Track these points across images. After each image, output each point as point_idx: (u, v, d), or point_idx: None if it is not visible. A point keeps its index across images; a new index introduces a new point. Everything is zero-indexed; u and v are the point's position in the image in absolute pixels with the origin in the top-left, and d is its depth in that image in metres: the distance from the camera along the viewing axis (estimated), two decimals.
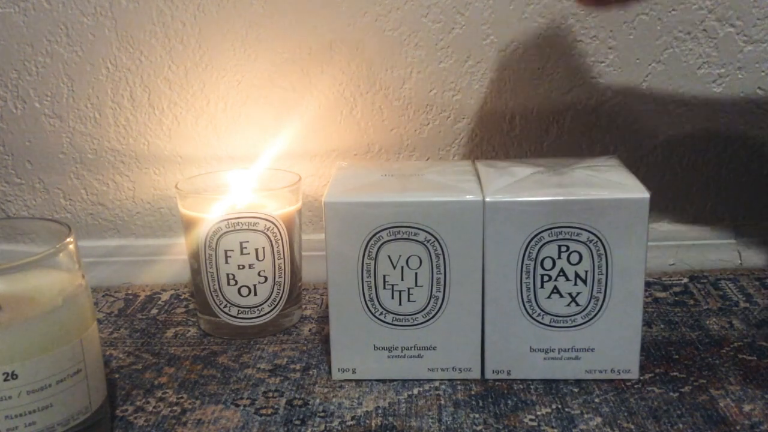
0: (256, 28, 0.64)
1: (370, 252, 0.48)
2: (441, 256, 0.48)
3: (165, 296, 0.66)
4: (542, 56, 0.64)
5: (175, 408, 0.48)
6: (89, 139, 0.67)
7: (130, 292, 0.68)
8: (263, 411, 0.48)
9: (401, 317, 0.49)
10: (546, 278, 0.48)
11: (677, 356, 0.52)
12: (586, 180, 0.49)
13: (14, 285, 0.41)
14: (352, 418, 0.46)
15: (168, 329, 0.60)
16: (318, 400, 0.49)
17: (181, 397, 0.50)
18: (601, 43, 0.63)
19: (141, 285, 0.69)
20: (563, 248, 0.47)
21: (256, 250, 0.56)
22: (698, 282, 0.64)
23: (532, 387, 0.49)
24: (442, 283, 0.48)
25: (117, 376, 0.53)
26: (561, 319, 0.49)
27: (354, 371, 0.51)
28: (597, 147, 0.66)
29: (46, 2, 0.64)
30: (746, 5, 0.62)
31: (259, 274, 0.56)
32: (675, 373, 0.50)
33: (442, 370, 0.50)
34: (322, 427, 0.46)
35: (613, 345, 0.49)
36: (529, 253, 0.47)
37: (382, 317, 0.49)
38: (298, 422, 0.46)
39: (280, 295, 0.58)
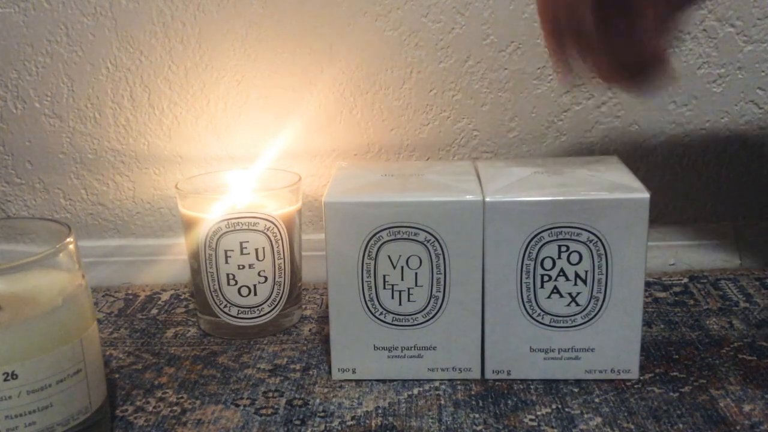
0: (256, 28, 0.64)
1: (370, 252, 0.48)
2: (441, 256, 0.48)
3: (165, 296, 0.66)
4: (542, 56, 0.64)
5: (175, 408, 0.48)
6: (89, 139, 0.67)
7: (130, 292, 0.68)
8: (263, 411, 0.48)
9: (401, 317, 0.49)
10: (546, 278, 0.48)
11: (677, 356, 0.52)
12: (586, 180, 0.49)
13: (14, 285, 0.41)
14: (352, 418, 0.46)
15: (168, 329, 0.60)
16: (318, 400, 0.49)
17: (181, 397, 0.49)
18: None
19: (141, 285, 0.69)
20: (563, 248, 0.47)
21: (256, 250, 0.56)
22: (698, 282, 0.64)
23: (532, 387, 0.49)
24: (442, 283, 0.48)
25: (117, 376, 0.53)
26: (561, 319, 0.49)
27: (354, 371, 0.51)
28: (597, 147, 0.66)
29: (46, 2, 0.64)
30: (746, 5, 0.62)
31: (259, 274, 0.56)
32: (675, 373, 0.50)
33: (442, 370, 0.50)
34: (322, 427, 0.46)
35: (613, 345, 0.49)
36: (529, 253, 0.47)
37: (382, 317, 0.49)
38: (298, 422, 0.46)
39: (280, 295, 0.58)
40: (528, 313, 0.49)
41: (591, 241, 0.47)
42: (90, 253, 0.69)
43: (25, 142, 0.67)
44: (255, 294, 0.57)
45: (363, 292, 0.49)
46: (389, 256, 0.48)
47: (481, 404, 0.47)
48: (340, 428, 0.45)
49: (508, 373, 0.50)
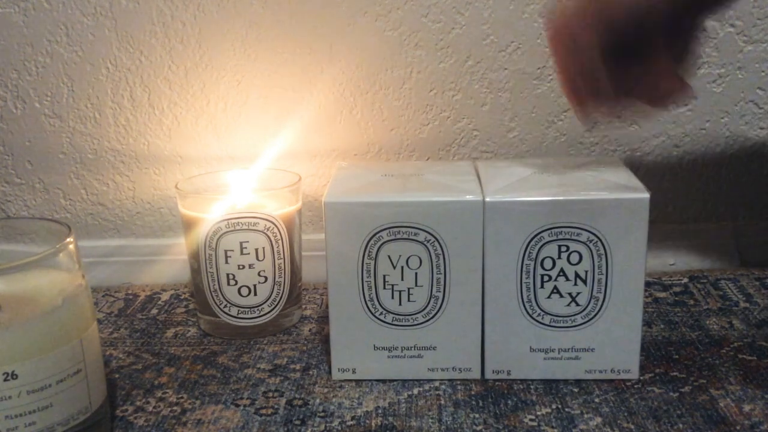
0: (256, 28, 0.64)
1: (370, 252, 0.48)
2: (441, 256, 0.48)
3: (165, 296, 0.66)
4: (542, 56, 0.64)
5: (175, 408, 0.48)
6: (89, 139, 0.67)
7: (130, 292, 0.68)
8: (263, 411, 0.48)
9: (401, 317, 0.49)
10: (546, 278, 0.48)
11: (677, 356, 0.52)
12: (586, 180, 0.49)
13: (14, 285, 0.41)
14: (352, 418, 0.46)
15: (168, 329, 0.60)
16: (318, 400, 0.49)
17: (181, 397, 0.49)
18: None
19: (141, 285, 0.69)
20: (563, 248, 0.47)
21: (256, 250, 0.56)
22: (698, 282, 0.64)
23: (532, 387, 0.49)
24: (442, 283, 0.48)
25: (117, 376, 0.53)
26: (561, 319, 0.49)
27: (354, 371, 0.51)
28: (597, 147, 0.66)
29: (46, 2, 0.64)
30: (746, 5, 0.62)
31: (259, 274, 0.56)
32: (675, 373, 0.50)
33: (442, 370, 0.50)
34: (322, 427, 0.46)
35: (613, 345, 0.49)
36: (529, 253, 0.47)
37: (382, 317, 0.49)
38: (298, 422, 0.46)
39: (280, 295, 0.58)
40: (528, 313, 0.49)
41: (591, 241, 0.47)
42: (90, 253, 0.69)
43: (25, 142, 0.67)
44: (255, 294, 0.57)
45: (363, 292, 0.49)
46: (389, 256, 0.48)
47: (481, 404, 0.47)
48: (340, 428, 0.45)
49: (508, 373, 0.50)
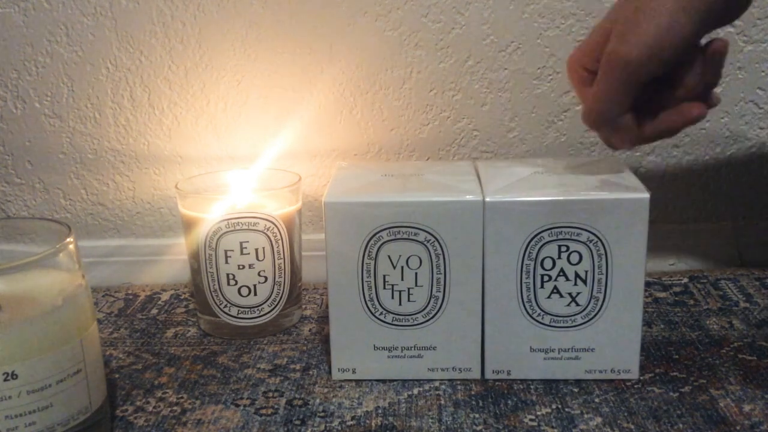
0: (256, 28, 0.64)
1: (370, 252, 0.48)
2: (441, 256, 0.48)
3: (165, 296, 0.66)
4: (542, 56, 0.64)
5: (175, 408, 0.48)
6: (89, 139, 0.67)
7: (130, 292, 0.68)
8: (263, 411, 0.48)
9: (401, 317, 0.49)
10: (546, 278, 0.48)
11: (677, 356, 0.52)
12: (586, 180, 0.49)
13: (14, 285, 0.41)
14: (352, 418, 0.46)
15: (168, 329, 0.60)
16: (318, 400, 0.49)
17: (181, 397, 0.49)
18: None
19: (141, 285, 0.69)
20: (563, 248, 0.47)
21: (256, 250, 0.56)
22: (698, 282, 0.64)
23: (532, 387, 0.49)
24: (442, 283, 0.48)
25: (117, 376, 0.53)
26: (561, 319, 0.49)
27: (354, 371, 0.51)
28: (597, 147, 0.66)
29: (46, 2, 0.64)
30: None
31: (259, 274, 0.56)
32: (675, 373, 0.50)
33: (442, 370, 0.50)
34: (322, 427, 0.46)
35: (613, 345, 0.49)
36: (529, 253, 0.47)
37: (382, 317, 0.49)
38: (298, 422, 0.46)
39: (280, 295, 0.58)
40: (528, 313, 0.49)
41: (591, 241, 0.47)
42: (90, 253, 0.69)
43: (25, 142, 0.67)
44: (255, 294, 0.57)
45: (363, 292, 0.49)
46: (389, 256, 0.48)
47: (481, 404, 0.47)
48: (340, 428, 0.45)
49: (508, 373, 0.50)
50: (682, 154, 0.66)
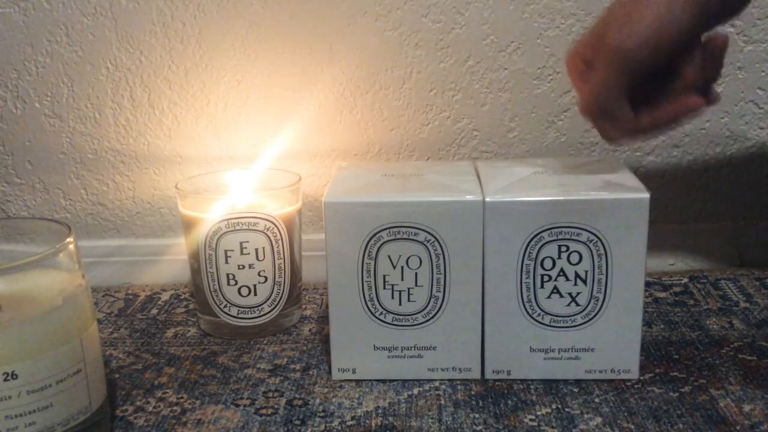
0: (256, 28, 0.64)
1: (370, 252, 0.48)
2: (441, 256, 0.48)
3: (165, 296, 0.66)
4: (542, 56, 0.64)
5: (175, 408, 0.48)
6: (89, 139, 0.67)
7: (130, 292, 0.68)
8: (263, 411, 0.48)
9: (401, 317, 0.49)
10: (546, 278, 0.48)
11: (677, 356, 0.52)
12: (586, 180, 0.49)
13: (14, 285, 0.41)
14: (352, 418, 0.46)
15: (168, 329, 0.60)
16: (318, 400, 0.49)
17: (181, 397, 0.49)
18: None
19: (141, 285, 0.69)
20: (563, 248, 0.47)
21: (256, 250, 0.56)
22: (698, 282, 0.64)
23: (532, 387, 0.49)
24: (442, 283, 0.48)
25: (117, 376, 0.53)
26: (561, 319, 0.49)
27: (354, 371, 0.51)
28: (597, 147, 0.66)
29: (46, 2, 0.64)
30: None
31: (259, 274, 0.56)
32: (675, 373, 0.50)
33: (442, 370, 0.50)
34: (322, 427, 0.46)
35: (613, 345, 0.49)
36: (529, 253, 0.47)
37: (382, 317, 0.49)
38: (298, 422, 0.46)
39: (280, 295, 0.58)
40: (528, 313, 0.49)
41: (591, 241, 0.47)
42: (90, 253, 0.69)
43: (25, 142, 0.67)
44: (255, 294, 0.57)
45: (363, 292, 0.49)
46: (389, 256, 0.48)
47: (481, 404, 0.47)
48: (340, 428, 0.45)
49: (508, 373, 0.50)
50: (682, 154, 0.66)
